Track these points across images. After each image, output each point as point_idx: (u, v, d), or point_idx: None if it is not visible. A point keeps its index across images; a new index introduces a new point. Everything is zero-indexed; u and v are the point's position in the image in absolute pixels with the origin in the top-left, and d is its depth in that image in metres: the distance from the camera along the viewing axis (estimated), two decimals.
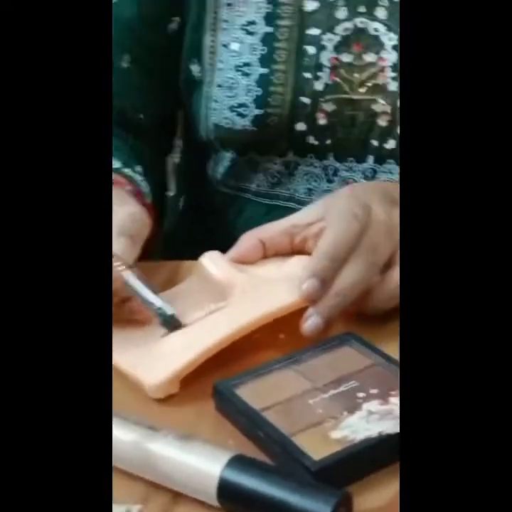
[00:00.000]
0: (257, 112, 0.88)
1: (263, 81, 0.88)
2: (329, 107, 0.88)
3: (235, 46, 0.89)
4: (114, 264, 0.65)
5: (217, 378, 0.62)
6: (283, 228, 0.75)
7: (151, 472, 0.54)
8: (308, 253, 0.74)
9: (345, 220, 0.67)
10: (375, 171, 0.89)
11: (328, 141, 0.90)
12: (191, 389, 0.62)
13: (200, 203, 1.02)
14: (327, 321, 0.65)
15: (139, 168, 0.87)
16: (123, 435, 0.55)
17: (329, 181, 0.91)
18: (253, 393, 0.59)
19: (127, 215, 0.71)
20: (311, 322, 0.64)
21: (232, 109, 0.89)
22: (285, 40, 0.88)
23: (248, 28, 0.89)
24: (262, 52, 0.88)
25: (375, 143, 0.88)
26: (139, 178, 0.84)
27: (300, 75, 0.88)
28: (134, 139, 0.93)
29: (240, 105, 0.88)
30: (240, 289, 0.69)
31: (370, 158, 0.89)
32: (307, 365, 0.62)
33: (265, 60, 0.88)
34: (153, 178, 0.91)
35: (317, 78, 0.88)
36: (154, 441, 0.54)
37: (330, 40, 0.87)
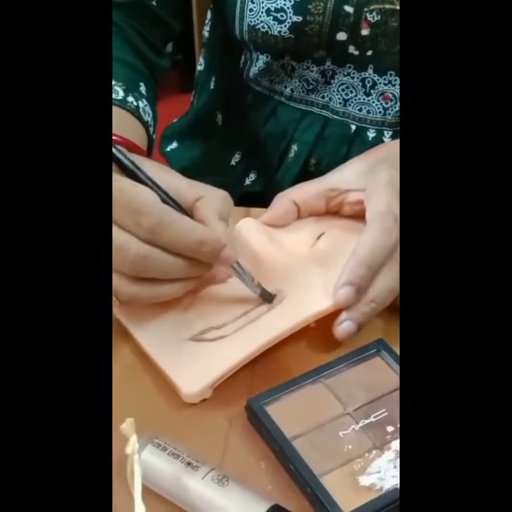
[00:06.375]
0: (296, 18, 0.81)
1: None
2: (373, 17, 0.81)
3: None
4: (225, 246, 0.62)
5: (246, 375, 0.65)
6: (319, 191, 0.73)
7: (189, 507, 0.58)
8: (343, 216, 0.74)
9: (384, 227, 0.65)
10: None
11: (369, 53, 0.84)
12: (222, 390, 0.65)
13: (230, 94, 0.97)
14: (360, 327, 0.65)
15: (142, 87, 0.82)
16: (165, 466, 0.58)
17: (367, 94, 0.87)
18: (284, 414, 0.61)
19: (223, 196, 0.65)
20: (344, 327, 0.65)
21: (269, 12, 0.82)
22: None
23: None
24: None
25: None
26: (141, 104, 0.78)
27: None
28: (143, 25, 0.87)
29: (278, 10, 0.81)
30: (274, 268, 0.70)
31: None
32: (338, 381, 0.64)
33: None
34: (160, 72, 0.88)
35: None
36: (193, 479, 0.57)
37: None
